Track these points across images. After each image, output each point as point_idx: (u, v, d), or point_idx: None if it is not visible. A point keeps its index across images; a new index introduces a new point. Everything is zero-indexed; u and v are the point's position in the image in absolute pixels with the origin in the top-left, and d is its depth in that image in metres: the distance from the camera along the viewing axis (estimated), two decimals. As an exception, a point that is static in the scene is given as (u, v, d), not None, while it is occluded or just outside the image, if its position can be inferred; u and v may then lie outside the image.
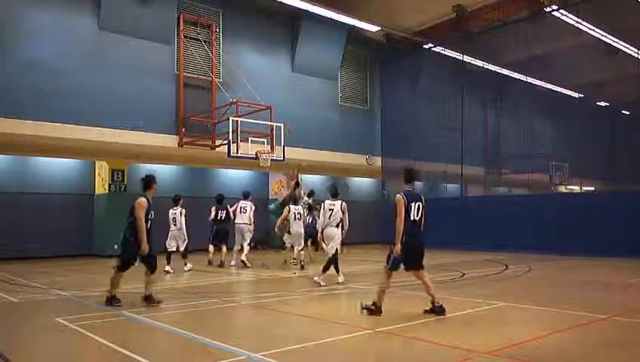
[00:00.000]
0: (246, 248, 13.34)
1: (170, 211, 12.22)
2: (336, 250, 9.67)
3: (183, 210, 12.20)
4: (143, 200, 7.37)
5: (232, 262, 13.25)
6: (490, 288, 9.51)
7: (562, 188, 26.20)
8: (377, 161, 22.24)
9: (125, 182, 17.76)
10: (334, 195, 9.86)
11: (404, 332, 5.72)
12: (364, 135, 22.08)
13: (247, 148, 14.70)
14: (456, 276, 10.90)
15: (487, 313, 6.93)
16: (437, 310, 6.50)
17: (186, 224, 12.08)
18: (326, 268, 9.62)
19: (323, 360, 4.90)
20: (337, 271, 9.84)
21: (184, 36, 16.94)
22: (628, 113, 29.95)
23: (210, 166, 19.90)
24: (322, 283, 9.45)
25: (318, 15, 18.15)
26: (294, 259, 13.04)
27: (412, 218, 6.54)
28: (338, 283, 9.66)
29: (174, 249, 12.21)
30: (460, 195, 22.34)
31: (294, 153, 17.67)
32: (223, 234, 13.30)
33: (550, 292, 9.01)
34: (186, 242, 12.23)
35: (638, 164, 21.60)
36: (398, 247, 6.40)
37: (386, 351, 5.15)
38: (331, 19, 18.43)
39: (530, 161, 23.61)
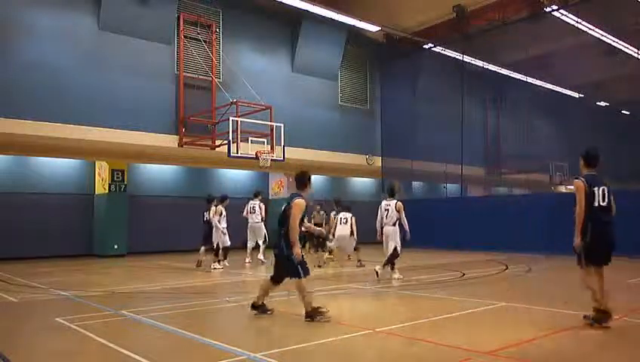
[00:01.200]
0: (262, 246, 13.81)
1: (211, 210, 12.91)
2: (395, 248, 10.03)
3: (222, 209, 12.75)
4: (302, 201, 6.29)
5: (247, 260, 13.71)
6: (490, 288, 9.52)
7: (562, 188, 26.19)
8: (377, 161, 22.24)
9: (125, 182, 17.77)
10: (391, 195, 10.21)
11: (404, 333, 5.72)
12: (364, 135, 22.08)
13: (247, 148, 14.70)
14: (456, 276, 10.90)
15: (487, 313, 6.92)
16: (599, 317, 5.75)
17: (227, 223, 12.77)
18: (388, 263, 10.08)
19: (323, 360, 4.90)
20: (393, 268, 10.21)
21: (184, 36, 16.94)
22: (628, 113, 29.93)
23: (210, 166, 19.90)
24: (379, 274, 10.03)
25: (318, 15, 18.15)
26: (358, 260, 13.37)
27: (597, 204, 5.80)
28: (395, 279, 10.06)
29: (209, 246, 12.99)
30: (459, 195, 22.34)
31: (294, 153, 17.67)
32: (204, 234, 13.32)
33: (550, 292, 9.01)
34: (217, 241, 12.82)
35: (638, 164, 21.63)
36: (578, 240, 5.79)
37: (386, 351, 5.15)
38: (331, 19, 18.42)
39: (530, 161, 23.60)
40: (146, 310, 7.26)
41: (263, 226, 13.77)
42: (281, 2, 17.04)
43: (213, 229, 12.64)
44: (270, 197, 21.89)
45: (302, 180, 6.52)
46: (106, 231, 17.34)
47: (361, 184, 25.13)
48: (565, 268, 12.73)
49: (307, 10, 17.81)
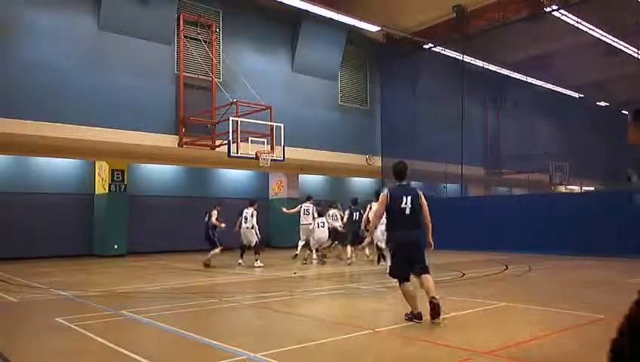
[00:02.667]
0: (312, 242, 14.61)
1: (244, 211, 13.48)
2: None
3: (255, 211, 13.40)
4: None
5: (313, 255, 14.48)
6: (490, 288, 9.51)
7: (562, 188, 26.22)
8: (377, 161, 22.23)
9: (125, 182, 17.76)
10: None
11: (404, 332, 5.72)
12: (364, 135, 22.08)
13: (247, 148, 14.72)
14: (456, 276, 10.90)
15: (487, 313, 6.92)
16: None
17: (258, 224, 13.39)
18: None
19: (323, 360, 4.90)
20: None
21: (184, 36, 16.94)
22: (628, 113, 29.89)
23: (210, 166, 19.91)
24: None
25: (318, 15, 18.16)
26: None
27: None
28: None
29: (245, 244, 13.54)
30: (459, 195, 22.34)
31: (294, 153, 17.67)
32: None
33: (550, 292, 9.01)
34: (256, 240, 13.33)
35: (638, 164, 21.64)
36: None
37: (386, 351, 5.14)
38: (331, 19, 18.43)
39: (530, 161, 23.61)
40: (145, 310, 7.26)
41: (313, 228, 14.69)
42: (281, 2, 17.04)
43: (248, 229, 13.24)
44: (270, 198, 21.89)
45: (404, 171, 6.48)
46: (106, 231, 17.33)
47: (361, 184, 25.12)
48: (565, 268, 12.74)
49: (307, 10, 17.81)
